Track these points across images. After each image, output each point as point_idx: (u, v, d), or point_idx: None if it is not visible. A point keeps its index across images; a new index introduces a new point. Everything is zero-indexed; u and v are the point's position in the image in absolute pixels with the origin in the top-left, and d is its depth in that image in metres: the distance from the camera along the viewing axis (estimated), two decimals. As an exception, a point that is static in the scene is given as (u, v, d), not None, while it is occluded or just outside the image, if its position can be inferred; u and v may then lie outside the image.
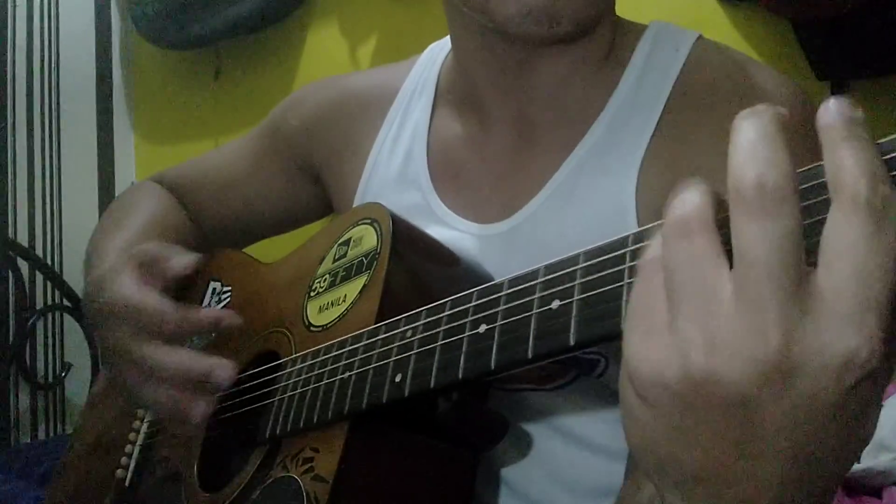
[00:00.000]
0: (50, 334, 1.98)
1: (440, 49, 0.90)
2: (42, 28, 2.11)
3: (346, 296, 0.70)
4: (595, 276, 0.45)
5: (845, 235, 0.32)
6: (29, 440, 1.89)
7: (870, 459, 1.00)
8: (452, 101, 0.84)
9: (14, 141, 2.04)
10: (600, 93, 0.75)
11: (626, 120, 0.73)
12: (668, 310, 0.35)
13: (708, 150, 0.68)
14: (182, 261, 0.77)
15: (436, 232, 0.76)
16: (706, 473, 0.36)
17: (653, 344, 0.35)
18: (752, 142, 0.33)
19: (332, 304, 0.71)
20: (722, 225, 0.35)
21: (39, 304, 1.94)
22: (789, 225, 0.32)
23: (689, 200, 0.35)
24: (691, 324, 0.34)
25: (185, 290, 0.86)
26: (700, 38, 0.76)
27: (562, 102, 0.76)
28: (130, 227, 0.91)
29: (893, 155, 0.33)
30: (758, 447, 0.34)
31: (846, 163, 0.32)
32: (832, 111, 0.33)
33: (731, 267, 0.34)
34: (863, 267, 0.32)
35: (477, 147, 0.80)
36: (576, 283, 0.46)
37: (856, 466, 0.98)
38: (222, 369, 0.69)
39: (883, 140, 0.34)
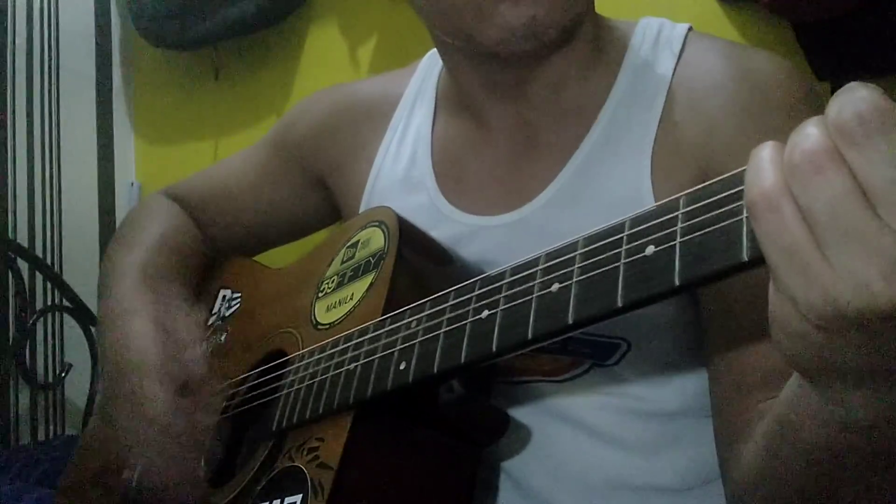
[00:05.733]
0: (50, 334, 1.97)
1: (438, 56, 0.91)
2: (42, 28, 2.10)
3: (353, 294, 0.71)
4: (594, 259, 0.46)
5: None
6: (29, 440, 1.88)
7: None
8: (451, 108, 0.85)
9: (14, 141, 2.03)
10: (598, 88, 0.76)
11: (630, 110, 0.74)
12: (815, 244, 0.35)
13: (718, 130, 0.70)
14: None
15: (443, 230, 0.77)
16: (878, 370, 0.39)
17: (817, 280, 0.35)
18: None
19: (340, 302, 0.72)
20: None
21: (39, 304, 1.93)
22: None
23: (812, 134, 0.35)
24: (860, 258, 0.34)
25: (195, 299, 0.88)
26: (691, 29, 0.78)
27: (559, 103, 0.77)
28: (143, 247, 0.92)
29: None
30: None
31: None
32: None
33: None
34: None
35: (479, 150, 0.81)
36: (575, 266, 0.47)
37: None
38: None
39: None
